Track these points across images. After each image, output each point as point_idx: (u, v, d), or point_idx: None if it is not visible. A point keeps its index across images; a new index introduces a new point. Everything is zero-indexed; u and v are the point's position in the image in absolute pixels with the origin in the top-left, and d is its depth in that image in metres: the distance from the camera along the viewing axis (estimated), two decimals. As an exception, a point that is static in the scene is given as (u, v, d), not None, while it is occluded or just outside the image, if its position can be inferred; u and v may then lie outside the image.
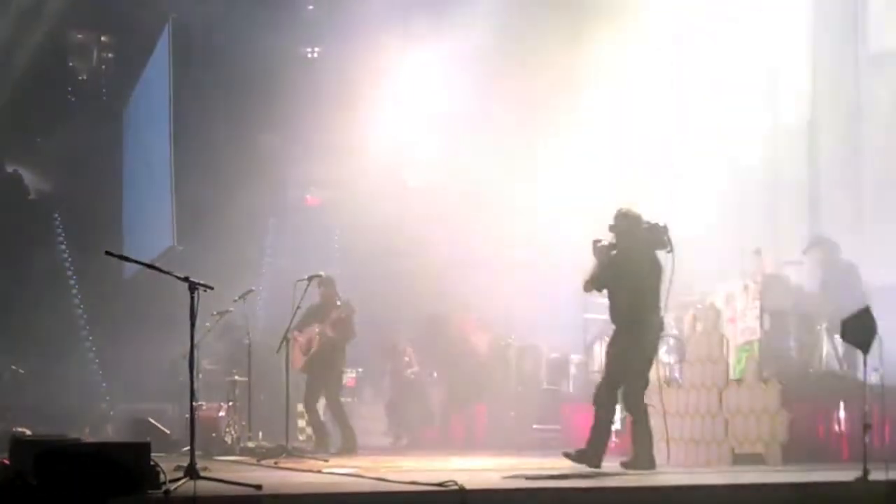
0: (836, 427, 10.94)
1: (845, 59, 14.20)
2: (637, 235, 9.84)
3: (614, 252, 9.87)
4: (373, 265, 18.40)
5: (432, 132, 18.84)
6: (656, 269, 9.77)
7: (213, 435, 13.46)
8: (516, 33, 17.45)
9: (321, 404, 13.88)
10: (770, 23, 15.34)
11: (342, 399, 14.05)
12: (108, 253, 8.25)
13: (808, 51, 14.80)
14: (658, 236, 9.77)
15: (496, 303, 15.13)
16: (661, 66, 17.04)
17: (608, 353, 10.08)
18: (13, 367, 16.60)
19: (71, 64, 22.91)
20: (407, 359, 16.86)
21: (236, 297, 13.50)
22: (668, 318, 14.10)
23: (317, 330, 13.31)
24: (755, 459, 10.36)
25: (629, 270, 9.78)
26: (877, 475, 7.62)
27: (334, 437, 13.52)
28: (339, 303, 13.31)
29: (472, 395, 15.69)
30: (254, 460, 11.66)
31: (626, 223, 9.89)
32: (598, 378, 14.19)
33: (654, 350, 10.07)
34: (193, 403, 8.14)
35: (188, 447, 7.85)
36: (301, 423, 15.57)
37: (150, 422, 14.09)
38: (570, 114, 16.44)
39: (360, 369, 17.40)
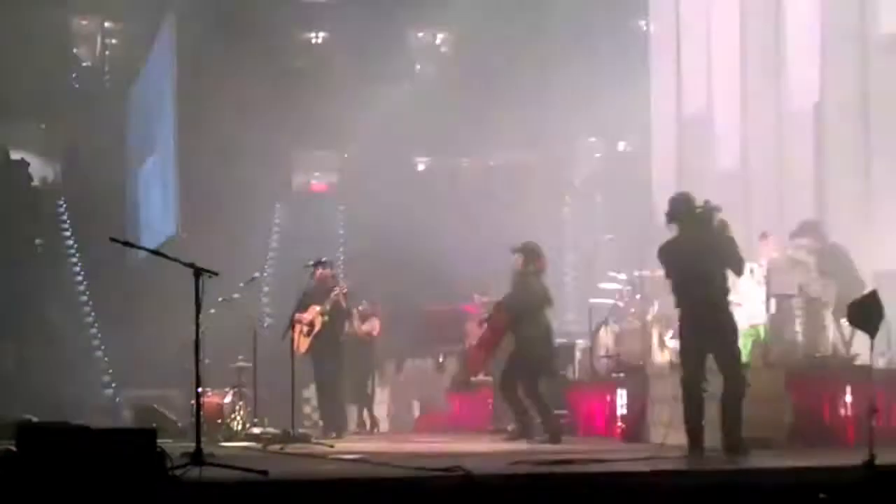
0: (843, 411, 10.90)
1: (853, 40, 14.07)
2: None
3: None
4: (378, 250, 18.38)
5: (441, 116, 18.83)
6: None
7: (219, 421, 13.47)
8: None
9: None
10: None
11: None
12: (112, 239, 8.23)
13: (815, 33, 14.70)
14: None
15: (502, 288, 15.05)
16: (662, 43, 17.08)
17: (721, 335, 9.63)
18: (19, 353, 16.60)
19: (75, 50, 22.89)
20: (363, 308, 15.67)
21: (241, 284, 13.50)
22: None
23: (318, 309, 13.33)
24: (761, 444, 10.31)
25: None
26: (883, 459, 7.60)
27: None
28: (335, 287, 13.35)
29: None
30: (259, 446, 11.67)
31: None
32: (604, 363, 14.21)
33: None
34: (199, 390, 8.14)
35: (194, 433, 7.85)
36: (307, 409, 15.55)
37: (156, 409, 14.11)
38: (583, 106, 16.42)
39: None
